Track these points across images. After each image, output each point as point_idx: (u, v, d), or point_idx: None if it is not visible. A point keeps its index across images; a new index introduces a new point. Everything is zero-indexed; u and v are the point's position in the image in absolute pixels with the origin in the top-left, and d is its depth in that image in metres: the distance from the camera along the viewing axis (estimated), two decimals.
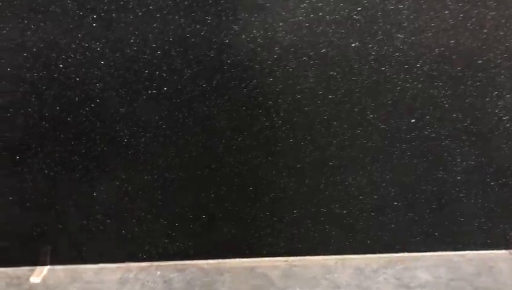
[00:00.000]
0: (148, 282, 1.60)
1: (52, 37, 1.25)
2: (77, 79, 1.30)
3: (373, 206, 1.60)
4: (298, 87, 1.38)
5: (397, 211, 1.61)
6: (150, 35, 1.27)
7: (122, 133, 1.39)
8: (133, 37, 1.26)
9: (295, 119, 1.43)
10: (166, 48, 1.28)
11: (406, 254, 1.69)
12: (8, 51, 1.27)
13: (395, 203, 1.61)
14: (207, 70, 1.33)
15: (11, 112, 1.36)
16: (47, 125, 1.37)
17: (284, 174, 1.52)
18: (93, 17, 1.23)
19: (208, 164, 1.48)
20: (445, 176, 1.55)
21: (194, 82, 1.34)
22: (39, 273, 1.58)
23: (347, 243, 1.67)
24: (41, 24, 1.23)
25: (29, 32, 1.25)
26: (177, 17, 1.25)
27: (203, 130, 1.42)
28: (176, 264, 1.66)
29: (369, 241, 1.67)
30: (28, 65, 1.29)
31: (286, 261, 1.69)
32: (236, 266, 1.66)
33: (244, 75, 1.35)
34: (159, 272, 1.64)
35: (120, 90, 1.32)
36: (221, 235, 1.63)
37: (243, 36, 1.30)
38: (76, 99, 1.33)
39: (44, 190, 1.47)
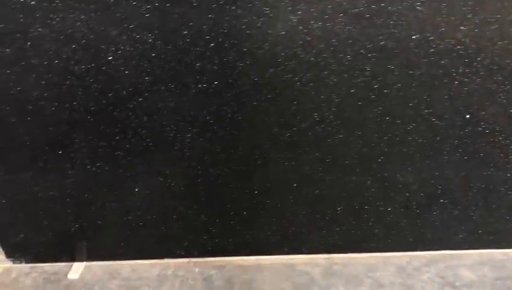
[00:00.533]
0: (187, 279, 1.56)
1: (102, 28, 1.16)
2: (126, 72, 1.22)
3: (418, 203, 1.56)
4: (353, 81, 1.31)
5: (443, 209, 1.58)
6: (204, 27, 1.19)
7: (169, 128, 1.32)
8: (186, 29, 1.18)
9: (347, 114, 1.37)
10: (220, 39, 1.20)
11: (447, 252, 1.67)
12: (57, 42, 1.19)
13: (441, 201, 1.56)
14: (260, 64, 1.26)
15: (56, 105, 1.28)
16: (92, 119, 1.30)
17: (331, 170, 1.47)
18: (146, 8, 1.15)
19: (254, 159, 1.42)
20: (495, 173, 1.51)
21: (246, 75, 1.27)
22: (77, 270, 1.53)
23: (389, 240, 1.64)
24: (93, 15, 1.14)
25: (79, 23, 1.16)
26: (234, 7, 1.17)
27: (250, 125, 1.36)
28: (214, 261, 1.62)
29: (411, 239, 1.64)
30: (76, 57, 1.20)
31: (327, 258, 1.65)
32: (276, 263, 1.62)
33: (298, 69, 1.28)
34: (197, 269, 1.60)
35: (169, 84, 1.25)
36: (260, 231, 1.59)
37: (300, 27, 1.22)
38: (124, 92, 1.25)
39: (85, 185, 1.41)
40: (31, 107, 1.30)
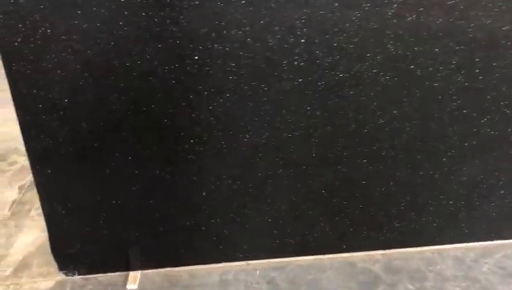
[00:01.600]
0: (251, 283, 1.50)
1: (191, 26, 1.04)
2: (210, 72, 1.11)
3: (480, 195, 1.56)
4: (438, 74, 1.27)
5: (501, 199, 1.58)
6: (297, 22, 1.09)
7: (245, 129, 1.23)
8: (277, 25, 1.08)
9: (425, 109, 1.33)
10: (312, 34, 1.11)
11: (500, 242, 1.69)
12: (149, 42, 1.06)
13: (502, 192, 1.57)
14: (348, 59, 1.18)
15: (132, 109, 1.16)
16: (168, 122, 1.18)
17: (402, 167, 1.43)
18: (241, 3, 1.03)
19: (326, 158, 1.36)
20: None
21: (332, 71, 1.19)
22: (134, 280, 1.43)
23: (445, 233, 1.64)
24: (183, 11, 1.02)
25: (168, 21, 1.04)
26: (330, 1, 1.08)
27: (328, 123, 1.29)
28: (272, 263, 1.57)
29: (467, 231, 1.65)
30: (160, 57, 1.08)
31: (383, 254, 1.63)
32: (335, 262, 1.59)
33: (386, 63, 1.22)
34: (258, 272, 1.54)
35: (253, 83, 1.15)
36: (319, 230, 1.54)
37: (394, 21, 1.15)
38: (205, 93, 1.14)
39: (151, 191, 1.31)
40: (103, 111, 1.17)
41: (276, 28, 1.10)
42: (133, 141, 1.23)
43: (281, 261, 1.58)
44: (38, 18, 1.07)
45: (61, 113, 1.19)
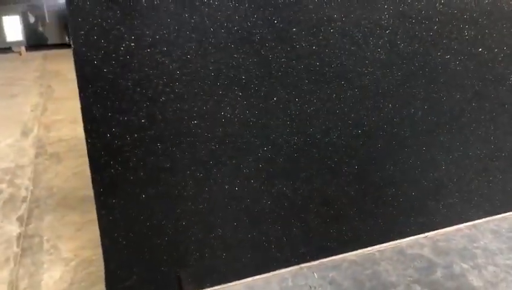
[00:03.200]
0: (314, 287, 1.48)
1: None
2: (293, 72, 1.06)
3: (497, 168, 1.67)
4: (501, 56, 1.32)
5: None
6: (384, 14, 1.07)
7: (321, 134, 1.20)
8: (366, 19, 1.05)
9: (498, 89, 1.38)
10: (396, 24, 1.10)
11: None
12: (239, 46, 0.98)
13: None
14: (425, 47, 1.18)
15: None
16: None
17: (459, 155, 1.48)
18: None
19: (389, 157, 1.37)
20: None
21: (410, 60, 1.19)
22: None
23: (480, 208, 1.73)
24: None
25: (260, 22, 0.96)
26: None
27: (397, 124, 1.30)
28: (325, 262, 1.56)
29: (498, 204, 1.75)
30: (248, 62, 1.00)
31: (425, 237, 1.69)
32: (385, 252, 1.62)
33: (457, 47, 1.24)
34: (315, 273, 1.53)
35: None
36: (365, 222, 1.56)
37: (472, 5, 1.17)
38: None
39: (216, 209, 1.24)
40: (182, 128, 1.08)
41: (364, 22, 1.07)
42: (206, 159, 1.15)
43: (333, 260, 1.58)
44: (123, 30, 0.95)
45: (136, 135, 1.08)
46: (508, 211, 1.78)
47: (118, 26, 0.96)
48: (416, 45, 1.22)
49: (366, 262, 1.58)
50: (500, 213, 1.78)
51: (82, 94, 1.00)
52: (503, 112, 1.48)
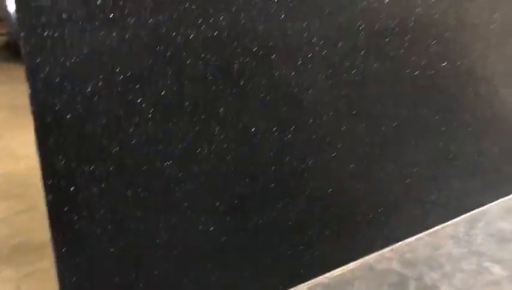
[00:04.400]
0: None
1: None
2: None
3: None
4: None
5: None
6: None
7: None
8: None
9: None
10: None
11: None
12: None
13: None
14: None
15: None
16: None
17: None
18: None
19: (358, 177, 1.36)
20: None
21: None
22: None
23: (437, 215, 1.79)
24: None
25: None
26: None
27: (368, 144, 1.28)
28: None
29: (452, 209, 1.83)
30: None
31: (391, 249, 1.71)
32: (354, 271, 1.61)
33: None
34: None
35: None
36: (329, 246, 1.55)
37: None
38: None
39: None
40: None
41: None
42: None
43: (308, 284, 1.54)
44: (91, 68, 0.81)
45: (103, 185, 0.94)
46: (460, 215, 1.86)
47: (84, 64, 0.82)
48: (389, 64, 1.21)
49: (339, 284, 1.55)
50: (455, 218, 1.85)
51: (41, 146, 0.84)
52: (461, 122, 1.53)
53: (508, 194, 1.92)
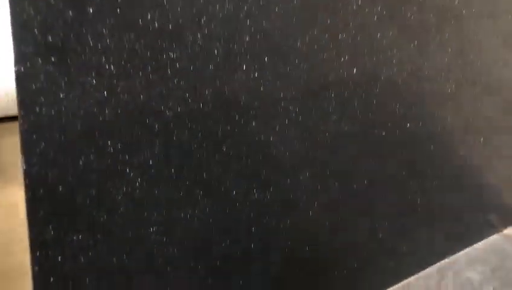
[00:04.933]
0: None
1: None
2: None
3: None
4: None
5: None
6: None
7: None
8: None
9: None
10: None
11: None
12: None
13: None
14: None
15: None
16: None
17: None
18: None
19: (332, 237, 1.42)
20: None
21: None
22: None
23: (409, 266, 1.86)
24: None
25: None
26: None
27: (343, 204, 1.36)
28: None
29: (424, 260, 1.90)
30: None
31: None
32: None
33: None
34: None
35: None
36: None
37: None
38: None
39: None
40: None
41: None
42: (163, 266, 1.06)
43: None
44: (84, 143, 0.85)
45: (90, 254, 0.96)
46: (431, 265, 1.93)
47: (77, 139, 0.86)
48: (358, 127, 1.30)
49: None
50: (425, 268, 1.92)
51: (31, 219, 0.86)
52: (426, 177, 1.63)
53: (471, 244, 2.01)
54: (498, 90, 1.70)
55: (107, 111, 0.87)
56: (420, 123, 1.51)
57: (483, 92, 1.64)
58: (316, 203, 1.37)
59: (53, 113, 0.82)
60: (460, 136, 1.68)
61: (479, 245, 2.02)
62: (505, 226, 2.06)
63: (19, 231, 1.99)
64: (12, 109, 3.72)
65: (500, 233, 2.05)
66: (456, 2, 1.34)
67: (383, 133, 1.42)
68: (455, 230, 1.94)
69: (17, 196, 2.32)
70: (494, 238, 2.05)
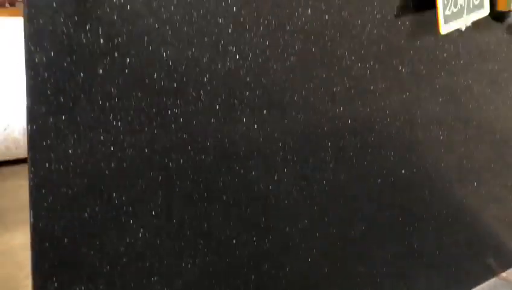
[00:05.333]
0: None
1: None
2: None
3: None
4: None
5: None
6: None
7: None
8: None
9: None
10: None
11: None
12: None
13: None
14: None
15: None
16: None
17: None
18: None
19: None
20: None
21: None
22: None
23: None
24: None
25: None
26: None
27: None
28: None
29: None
30: None
31: None
32: None
33: None
34: None
35: None
36: None
37: None
38: None
39: None
40: None
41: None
42: None
43: None
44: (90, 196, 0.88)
45: None
46: None
47: (84, 193, 0.89)
48: (355, 174, 1.34)
49: None
50: None
51: (36, 272, 0.88)
52: (422, 222, 1.66)
53: (470, 288, 2.02)
54: (489, 133, 1.76)
55: (113, 165, 0.91)
56: (414, 169, 1.55)
57: (475, 136, 1.69)
58: (314, 249, 1.39)
59: (62, 168, 0.85)
60: (455, 181, 1.72)
61: (478, 289, 2.02)
62: (504, 270, 2.07)
63: (18, 276, 1.98)
64: (9, 155, 3.73)
65: (499, 276, 2.06)
66: (445, 55, 1.41)
67: (379, 181, 1.46)
68: (454, 274, 1.95)
69: (15, 241, 2.32)
70: (493, 281, 2.05)
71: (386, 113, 1.35)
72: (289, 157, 1.22)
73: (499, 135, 1.80)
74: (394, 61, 1.29)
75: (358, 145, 1.34)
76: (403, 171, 1.51)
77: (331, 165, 1.32)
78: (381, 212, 1.54)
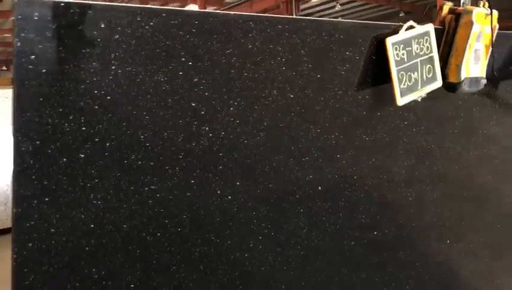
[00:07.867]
0: None
1: None
2: None
3: None
4: None
5: None
6: None
7: None
8: None
9: None
10: None
11: None
12: None
13: None
14: None
15: None
16: None
17: None
18: None
19: None
20: None
21: None
22: None
23: None
24: None
25: None
26: None
27: None
28: None
29: None
30: None
31: None
32: None
33: None
34: None
35: None
36: None
37: None
38: None
39: None
40: None
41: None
42: None
43: None
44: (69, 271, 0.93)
45: None
46: None
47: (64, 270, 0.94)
48: (328, 238, 1.41)
49: None
50: None
51: None
52: (399, 281, 1.71)
53: None
54: (457, 191, 1.85)
55: (92, 242, 0.97)
56: (386, 230, 1.63)
57: (443, 195, 1.79)
58: None
59: (44, 247, 0.91)
60: (426, 238, 1.79)
61: None
62: None
63: None
64: None
65: None
66: (406, 123, 1.53)
67: (352, 243, 1.53)
68: None
69: None
70: None
71: (354, 179, 1.45)
72: (263, 225, 1.29)
73: (466, 193, 1.90)
74: (358, 131, 1.40)
75: (330, 210, 1.42)
76: (375, 233, 1.59)
77: (304, 231, 1.39)
78: (357, 273, 1.59)
